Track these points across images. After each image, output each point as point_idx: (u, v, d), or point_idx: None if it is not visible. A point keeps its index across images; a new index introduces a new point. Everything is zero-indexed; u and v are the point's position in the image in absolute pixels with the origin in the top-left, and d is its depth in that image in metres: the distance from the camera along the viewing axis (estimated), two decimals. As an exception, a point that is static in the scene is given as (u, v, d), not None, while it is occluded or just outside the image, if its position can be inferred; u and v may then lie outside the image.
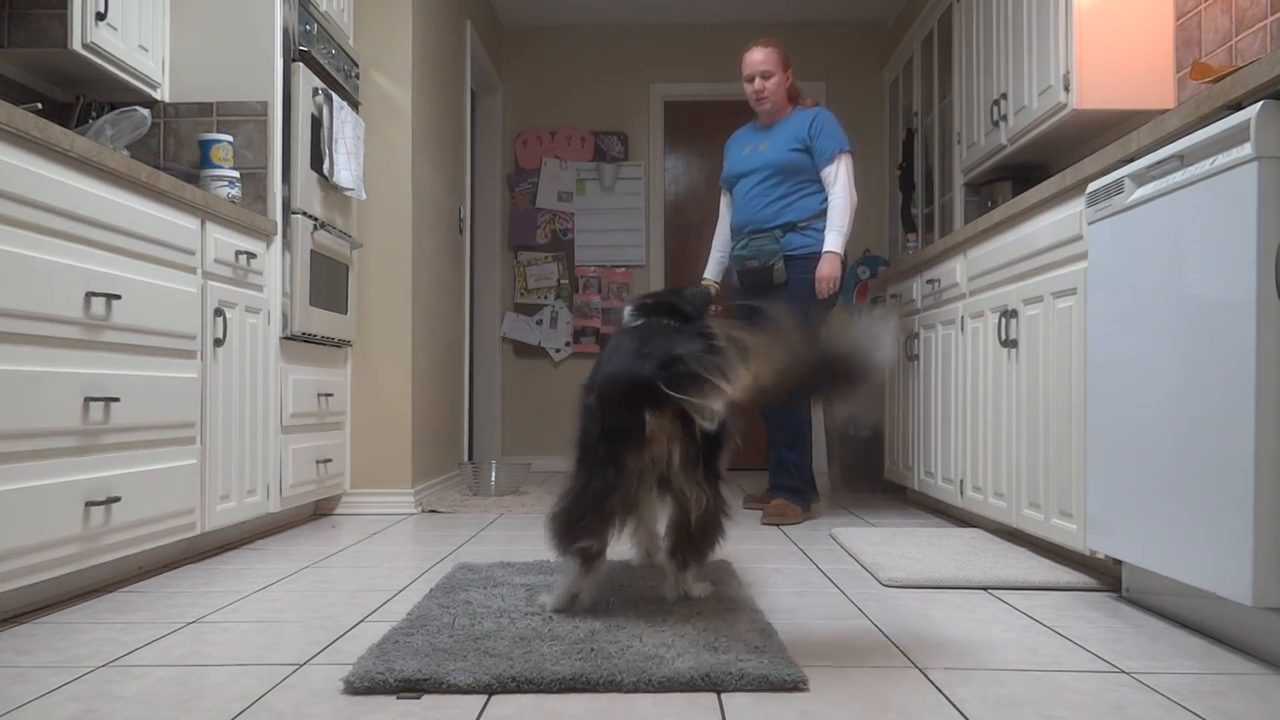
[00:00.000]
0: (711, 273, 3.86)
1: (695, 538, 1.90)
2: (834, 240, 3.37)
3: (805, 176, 3.48)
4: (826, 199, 3.47)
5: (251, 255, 2.86)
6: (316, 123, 3.22)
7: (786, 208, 3.47)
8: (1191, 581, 1.78)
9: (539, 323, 5.81)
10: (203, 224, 2.61)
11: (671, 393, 1.68)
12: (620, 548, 2.81)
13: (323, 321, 3.27)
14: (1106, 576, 2.29)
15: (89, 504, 2.05)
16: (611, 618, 1.85)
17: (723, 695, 1.46)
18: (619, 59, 5.91)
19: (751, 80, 3.54)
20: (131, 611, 2.00)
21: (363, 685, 1.46)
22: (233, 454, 2.73)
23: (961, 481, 3.18)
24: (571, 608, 1.90)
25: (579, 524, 1.81)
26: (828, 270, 3.36)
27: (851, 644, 1.75)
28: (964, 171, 4.20)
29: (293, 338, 3.10)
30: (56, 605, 2.05)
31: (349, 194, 3.45)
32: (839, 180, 3.42)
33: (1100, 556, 2.21)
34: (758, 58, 3.53)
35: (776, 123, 3.58)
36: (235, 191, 2.91)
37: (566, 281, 5.84)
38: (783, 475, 3.48)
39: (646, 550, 2.35)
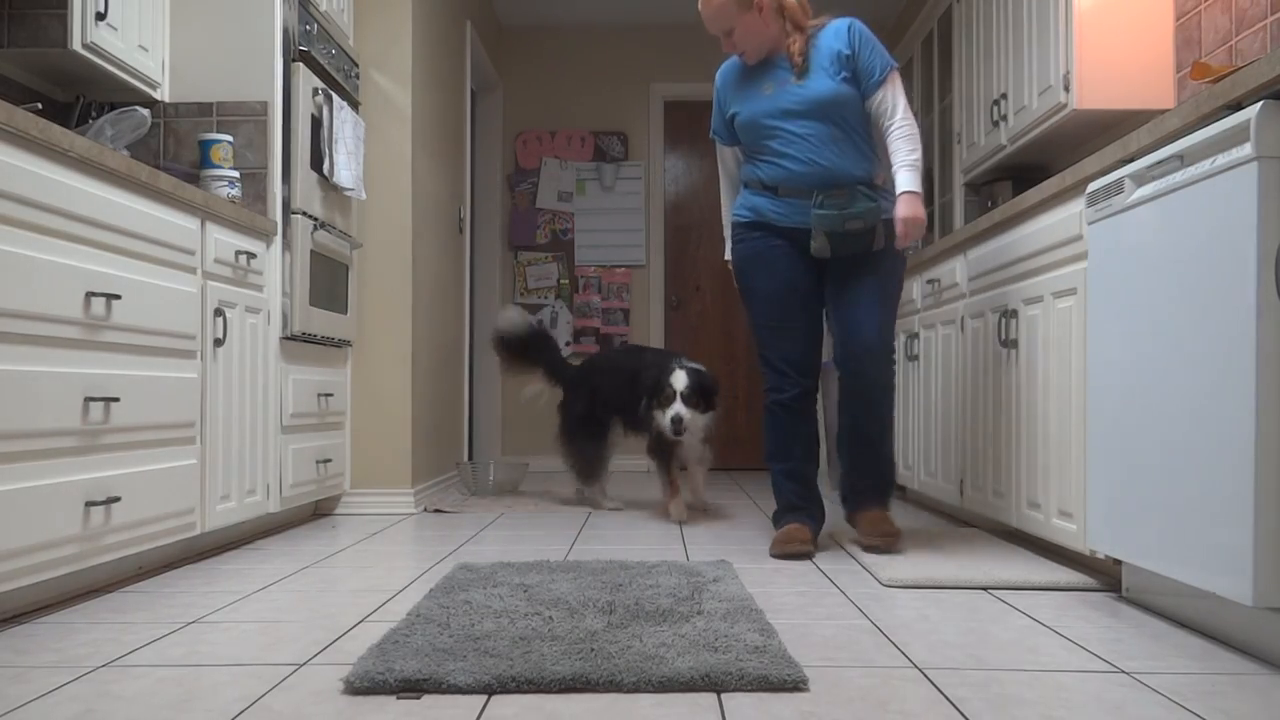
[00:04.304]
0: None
1: None
2: (910, 178, 2.63)
3: (864, 115, 2.72)
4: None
5: (251, 255, 2.86)
6: (316, 123, 3.22)
7: (861, 156, 2.69)
8: (1191, 581, 1.78)
9: (539, 322, 5.81)
10: (203, 224, 2.61)
11: None
12: (619, 545, 2.80)
13: (323, 321, 3.27)
14: (1106, 576, 2.29)
15: (89, 504, 2.05)
16: (613, 618, 1.85)
17: (723, 695, 1.46)
18: (619, 59, 5.91)
19: (720, 40, 2.79)
20: (131, 611, 2.00)
21: (363, 685, 1.46)
22: (233, 454, 2.73)
23: (961, 481, 3.18)
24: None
25: None
26: (910, 210, 2.60)
27: (851, 644, 1.75)
28: (964, 171, 4.20)
29: (293, 338, 3.10)
30: (56, 605, 2.05)
31: (349, 194, 3.45)
32: (898, 105, 2.67)
33: (1100, 556, 2.21)
34: (708, 15, 2.73)
35: (784, 53, 2.73)
36: (235, 191, 2.91)
37: (566, 281, 5.83)
38: (880, 469, 2.77)
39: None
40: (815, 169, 2.65)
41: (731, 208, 2.91)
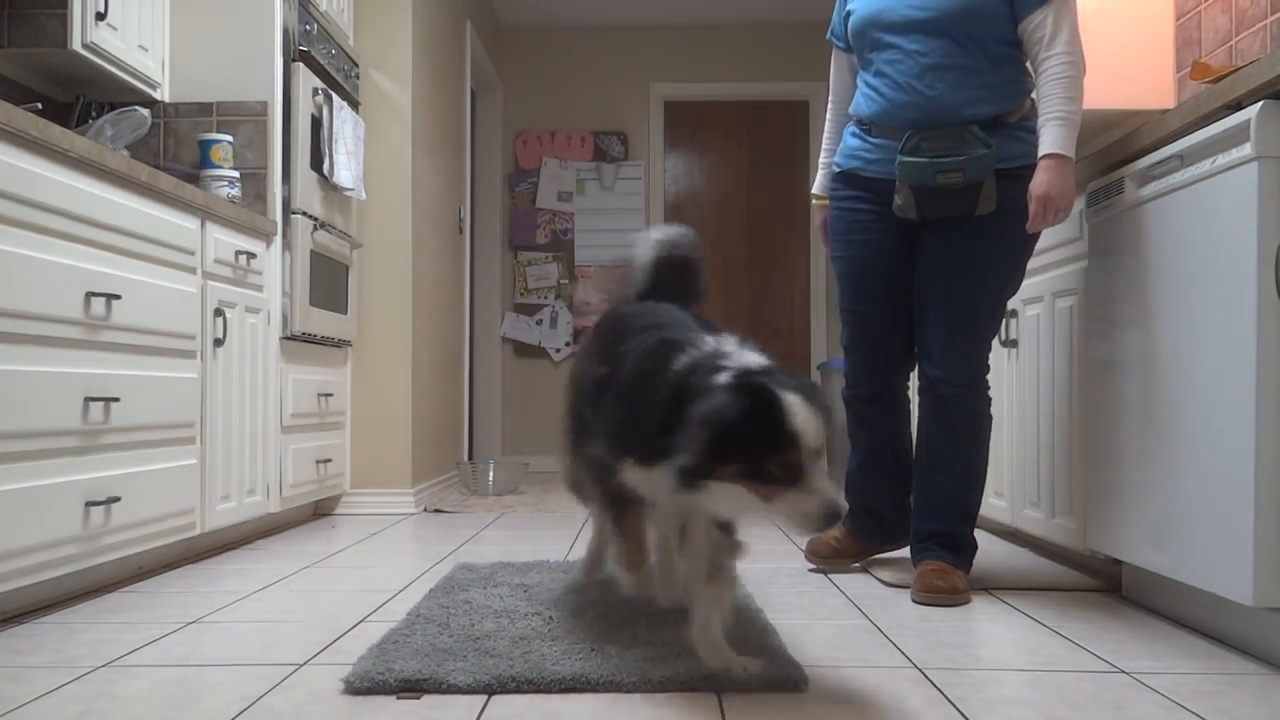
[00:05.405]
0: (822, 186, 2.44)
1: None
2: (1057, 136, 2.01)
3: (1008, 36, 2.11)
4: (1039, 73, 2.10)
5: (251, 255, 2.86)
6: (316, 123, 3.22)
7: (988, 90, 2.10)
8: (1191, 581, 1.78)
9: (539, 323, 5.81)
10: (203, 224, 2.61)
11: None
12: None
13: (323, 321, 3.27)
14: (1106, 576, 2.29)
15: (89, 504, 2.05)
16: (613, 618, 1.85)
17: (723, 695, 1.46)
18: (619, 59, 5.91)
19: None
20: (131, 612, 2.00)
21: (363, 685, 1.46)
22: (233, 454, 2.73)
23: (961, 481, 3.17)
24: None
25: None
26: (1053, 185, 2.00)
27: (851, 644, 1.75)
28: (964, 171, 4.19)
29: (293, 338, 3.10)
30: (56, 605, 2.05)
31: (349, 194, 3.45)
32: (1060, 33, 2.03)
33: (1100, 556, 2.21)
34: None
35: None
36: (235, 191, 2.91)
37: (566, 281, 5.84)
38: (954, 520, 2.19)
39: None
40: (912, 99, 2.09)
41: (830, 140, 2.41)
